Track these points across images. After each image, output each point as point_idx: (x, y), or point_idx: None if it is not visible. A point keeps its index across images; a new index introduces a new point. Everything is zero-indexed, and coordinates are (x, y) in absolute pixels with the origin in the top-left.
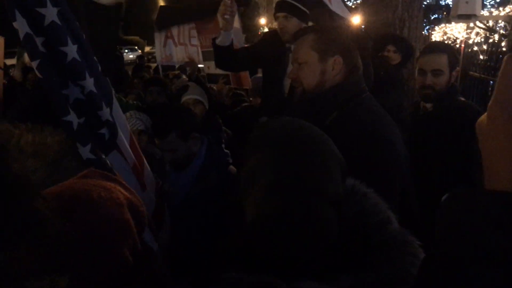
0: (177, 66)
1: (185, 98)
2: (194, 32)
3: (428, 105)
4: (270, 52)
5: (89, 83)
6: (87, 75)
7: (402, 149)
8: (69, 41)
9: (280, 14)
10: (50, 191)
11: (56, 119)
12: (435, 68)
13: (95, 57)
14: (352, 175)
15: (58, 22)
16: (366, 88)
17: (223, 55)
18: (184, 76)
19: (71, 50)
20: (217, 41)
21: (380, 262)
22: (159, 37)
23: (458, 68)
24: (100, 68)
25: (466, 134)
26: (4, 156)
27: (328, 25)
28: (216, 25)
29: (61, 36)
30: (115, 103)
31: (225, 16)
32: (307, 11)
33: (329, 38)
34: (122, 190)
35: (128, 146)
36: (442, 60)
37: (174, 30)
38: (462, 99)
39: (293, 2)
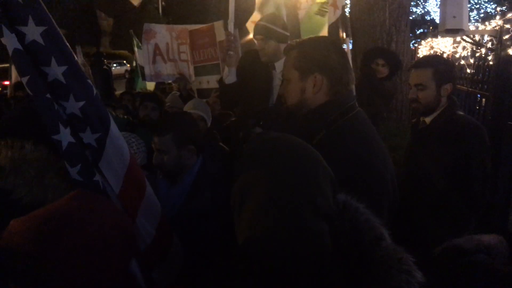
0: (167, 82)
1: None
2: (183, 47)
3: (427, 119)
4: (254, 72)
5: (73, 106)
6: (71, 98)
7: (388, 173)
8: (53, 62)
9: (258, 37)
10: (38, 213)
11: (42, 134)
12: (418, 83)
13: (89, 81)
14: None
15: (41, 41)
16: (356, 104)
17: (232, 93)
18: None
19: (54, 71)
20: (226, 81)
21: (375, 280)
22: (147, 54)
23: (449, 83)
24: (95, 92)
25: (463, 148)
26: None
27: (310, 40)
28: (208, 39)
29: (43, 56)
30: (113, 130)
31: (230, 52)
32: (286, 33)
33: (309, 55)
34: (113, 214)
35: (118, 173)
36: (425, 75)
37: (163, 47)
38: (461, 113)
39: (269, 25)
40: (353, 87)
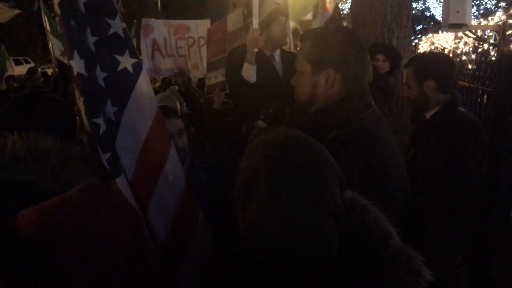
0: (161, 78)
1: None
2: (181, 43)
3: (427, 115)
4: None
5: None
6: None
7: (400, 179)
8: (127, 53)
9: (284, 18)
10: (46, 204)
11: (49, 126)
12: (404, 82)
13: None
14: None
15: (121, 35)
16: (372, 102)
17: (255, 91)
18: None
19: (126, 61)
20: (252, 80)
21: (382, 280)
22: (145, 50)
23: (430, 79)
24: (120, 67)
25: (458, 146)
26: None
27: (327, 31)
28: (221, 33)
29: (119, 47)
30: (132, 105)
31: (255, 50)
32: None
33: (323, 49)
34: (122, 207)
35: (132, 153)
36: (408, 74)
37: (161, 42)
38: (462, 109)
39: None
40: (368, 85)
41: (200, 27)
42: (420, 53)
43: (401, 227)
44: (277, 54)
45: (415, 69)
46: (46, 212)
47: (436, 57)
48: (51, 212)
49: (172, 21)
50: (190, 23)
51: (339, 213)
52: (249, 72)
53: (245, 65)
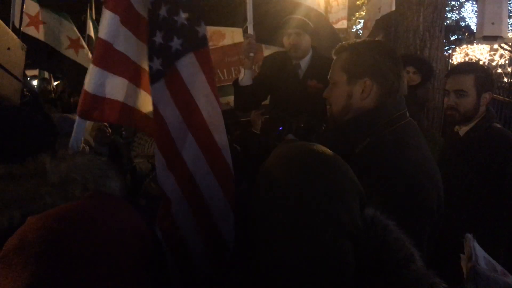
0: None
1: None
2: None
3: (462, 129)
4: (279, 74)
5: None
6: None
7: (434, 189)
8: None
9: (293, 31)
10: (53, 212)
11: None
12: (458, 89)
13: None
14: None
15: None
16: (407, 114)
17: (245, 95)
18: None
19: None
20: (241, 82)
21: None
22: None
23: (488, 92)
24: None
25: (498, 164)
26: None
27: (363, 43)
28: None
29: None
30: None
31: (250, 54)
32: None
33: (360, 59)
34: (130, 216)
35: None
36: (467, 81)
37: None
38: (498, 125)
39: (305, 19)
40: (403, 96)
41: (236, 34)
42: (472, 62)
43: (433, 241)
44: (304, 61)
45: (477, 78)
46: (51, 219)
47: (489, 69)
48: (54, 219)
49: (207, 27)
50: (226, 30)
51: (356, 233)
52: (243, 76)
53: (241, 70)
